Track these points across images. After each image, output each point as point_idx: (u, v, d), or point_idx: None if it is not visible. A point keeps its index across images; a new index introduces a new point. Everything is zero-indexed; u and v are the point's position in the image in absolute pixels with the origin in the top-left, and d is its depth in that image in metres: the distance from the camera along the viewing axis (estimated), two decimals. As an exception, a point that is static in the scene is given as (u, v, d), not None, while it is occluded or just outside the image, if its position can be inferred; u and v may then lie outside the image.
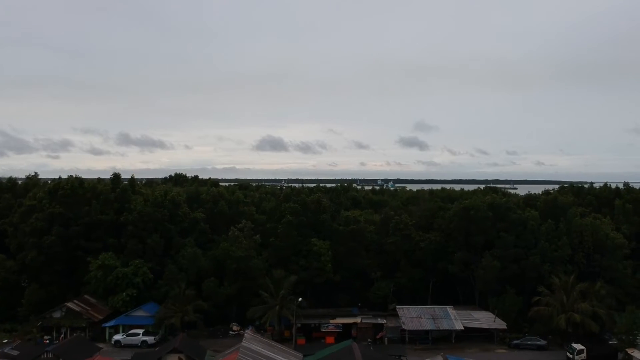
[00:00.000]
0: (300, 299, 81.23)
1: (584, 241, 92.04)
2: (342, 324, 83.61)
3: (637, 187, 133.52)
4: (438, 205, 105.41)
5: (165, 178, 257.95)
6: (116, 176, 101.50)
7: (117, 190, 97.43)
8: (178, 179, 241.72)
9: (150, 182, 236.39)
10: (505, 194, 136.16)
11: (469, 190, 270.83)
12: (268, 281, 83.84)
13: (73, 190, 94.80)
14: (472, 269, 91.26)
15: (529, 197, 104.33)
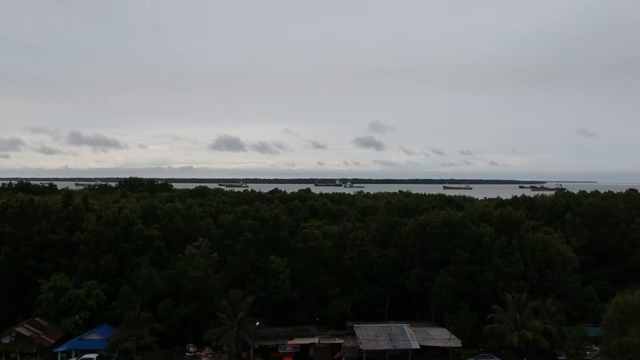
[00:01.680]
0: (257, 323, 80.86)
1: (535, 256, 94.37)
2: (300, 344, 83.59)
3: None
4: (395, 219, 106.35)
5: (120, 182, 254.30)
6: (68, 194, 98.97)
7: (69, 208, 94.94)
8: (133, 184, 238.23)
9: (104, 188, 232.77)
10: (460, 205, 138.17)
11: (425, 194, 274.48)
12: (225, 302, 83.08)
13: (22, 209, 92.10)
14: (428, 285, 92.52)
15: (483, 213, 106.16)
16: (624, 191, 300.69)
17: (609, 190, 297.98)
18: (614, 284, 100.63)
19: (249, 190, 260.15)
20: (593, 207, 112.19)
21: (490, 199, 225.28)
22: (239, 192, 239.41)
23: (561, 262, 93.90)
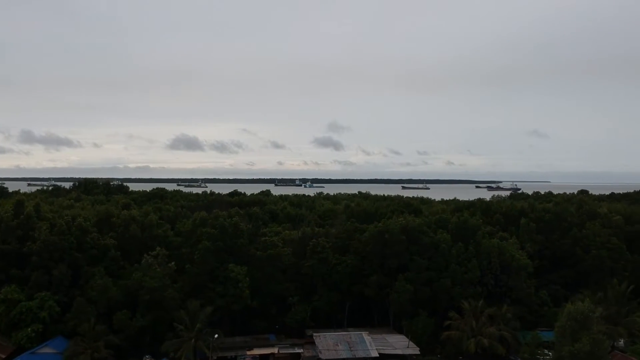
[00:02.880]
0: (216, 335, 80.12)
1: (491, 263, 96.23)
2: (260, 355, 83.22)
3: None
4: (354, 226, 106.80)
5: (75, 183, 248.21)
6: (19, 202, 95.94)
7: (21, 217, 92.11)
8: (88, 186, 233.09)
9: (58, 190, 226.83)
10: (418, 210, 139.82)
11: (384, 195, 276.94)
12: (183, 313, 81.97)
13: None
14: (387, 292, 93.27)
15: (441, 219, 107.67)
16: (575, 192, 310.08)
17: (563, 192, 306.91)
18: (566, 288, 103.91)
19: (208, 192, 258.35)
20: (547, 213, 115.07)
21: (447, 201, 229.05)
22: (197, 194, 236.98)
23: (516, 268, 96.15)
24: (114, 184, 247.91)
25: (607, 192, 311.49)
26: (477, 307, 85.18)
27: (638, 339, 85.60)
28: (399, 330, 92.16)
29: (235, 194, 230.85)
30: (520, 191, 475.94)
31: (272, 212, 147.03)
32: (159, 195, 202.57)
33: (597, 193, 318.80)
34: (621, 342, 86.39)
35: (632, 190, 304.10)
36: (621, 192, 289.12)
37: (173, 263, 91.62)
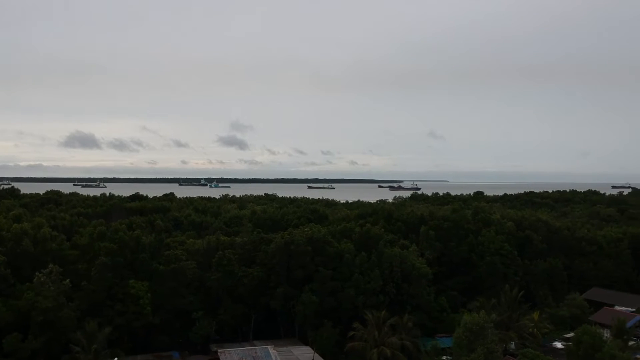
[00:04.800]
0: (116, 358, 77.07)
1: (393, 271, 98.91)
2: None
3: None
4: (260, 236, 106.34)
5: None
6: None
7: None
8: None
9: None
10: (323, 216, 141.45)
11: (290, 197, 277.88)
12: (79, 334, 78.08)
13: None
14: (293, 304, 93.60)
15: (345, 229, 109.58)
16: (472, 193, 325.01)
17: (461, 193, 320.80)
18: (464, 293, 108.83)
19: (108, 194, 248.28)
20: (445, 221, 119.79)
21: (352, 204, 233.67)
22: (96, 197, 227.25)
23: (416, 276, 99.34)
24: (3, 187, 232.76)
25: (501, 193, 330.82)
26: (379, 318, 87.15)
27: (528, 341, 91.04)
28: (305, 341, 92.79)
29: (136, 197, 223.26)
30: (420, 191, 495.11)
31: (176, 220, 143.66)
32: (53, 200, 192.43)
33: (491, 194, 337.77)
34: (512, 345, 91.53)
35: (522, 192, 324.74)
36: (513, 193, 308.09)
37: (68, 280, 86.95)
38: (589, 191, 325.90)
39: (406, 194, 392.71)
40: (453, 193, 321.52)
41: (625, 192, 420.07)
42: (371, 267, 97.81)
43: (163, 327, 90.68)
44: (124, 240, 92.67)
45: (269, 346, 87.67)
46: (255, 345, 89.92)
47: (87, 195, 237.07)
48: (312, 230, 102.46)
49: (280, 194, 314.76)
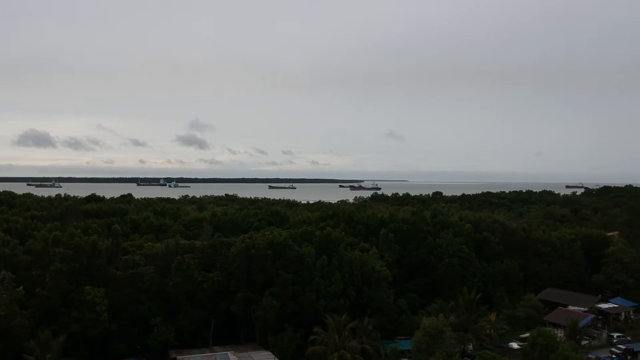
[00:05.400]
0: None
1: (354, 275, 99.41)
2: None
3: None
4: (220, 240, 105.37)
5: None
6: None
7: None
8: None
9: None
10: (284, 218, 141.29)
11: (251, 198, 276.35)
12: (33, 343, 76.05)
13: None
14: (254, 308, 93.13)
15: (306, 232, 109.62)
16: (431, 194, 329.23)
17: (420, 194, 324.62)
18: (423, 295, 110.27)
19: (63, 195, 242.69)
20: (405, 224, 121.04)
21: (313, 205, 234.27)
22: (50, 198, 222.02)
23: (376, 279, 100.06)
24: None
25: (459, 193, 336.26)
26: (340, 322, 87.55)
27: (486, 343, 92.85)
28: (265, 346, 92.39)
29: (93, 198, 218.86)
30: (380, 191, 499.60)
31: (133, 223, 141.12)
32: (5, 202, 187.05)
33: (450, 194, 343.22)
34: (470, 347, 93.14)
35: (480, 192, 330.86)
36: (471, 194, 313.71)
37: (21, 287, 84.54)
38: (544, 191, 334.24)
39: (367, 194, 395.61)
40: (413, 193, 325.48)
41: (579, 192, 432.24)
42: (332, 270, 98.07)
43: (120, 334, 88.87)
44: (80, 246, 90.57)
45: (229, 352, 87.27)
46: (215, 351, 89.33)
47: (42, 196, 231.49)
48: (273, 233, 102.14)
49: (241, 194, 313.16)
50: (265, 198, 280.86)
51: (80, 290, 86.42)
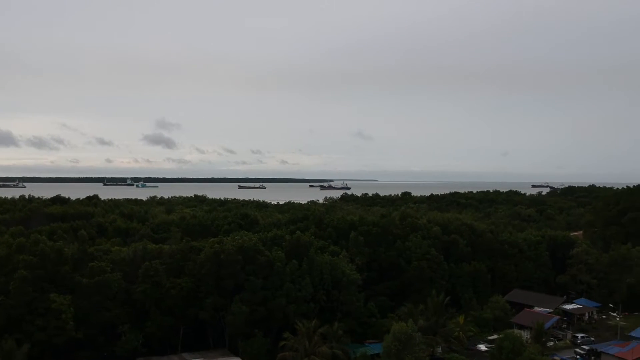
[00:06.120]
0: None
1: (324, 279, 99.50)
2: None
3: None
4: (189, 245, 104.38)
5: None
6: None
7: None
8: None
9: None
10: (254, 221, 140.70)
11: (221, 199, 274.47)
12: (-4, 354, 74.40)
13: None
14: (223, 314, 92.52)
15: (276, 236, 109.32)
16: (400, 194, 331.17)
17: (389, 194, 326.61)
18: (392, 298, 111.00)
19: (27, 196, 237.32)
20: (374, 226, 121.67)
21: (283, 206, 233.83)
22: (14, 199, 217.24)
23: (346, 283, 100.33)
24: None
25: (427, 193, 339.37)
26: (310, 327, 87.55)
27: (454, 345, 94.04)
28: (235, 352, 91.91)
29: (58, 199, 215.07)
30: (350, 190, 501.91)
31: (100, 226, 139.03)
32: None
33: (418, 194, 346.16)
34: (439, 350, 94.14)
35: (448, 192, 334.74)
36: (439, 194, 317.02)
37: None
38: (511, 191, 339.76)
39: (337, 194, 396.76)
40: (382, 193, 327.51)
41: (544, 191, 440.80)
42: (302, 275, 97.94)
43: (87, 342, 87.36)
44: (45, 252, 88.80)
45: (198, 359, 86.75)
46: (184, 358, 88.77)
47: (5, 197, 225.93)
48: (243, 238, 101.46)
49: (210, 195, 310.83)
50: (235, 199, 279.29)
51: (45, 297, 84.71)
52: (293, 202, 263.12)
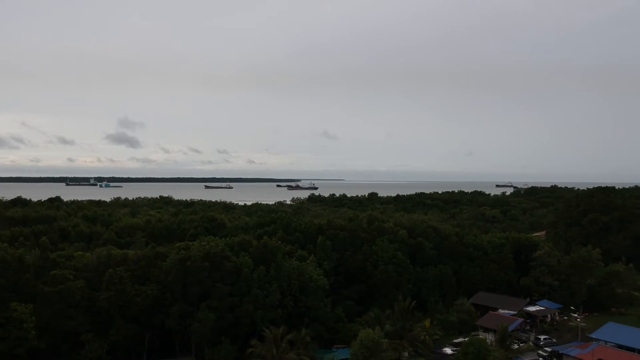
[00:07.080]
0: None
1: (291, 284, 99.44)
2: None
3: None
4: (155, 252, 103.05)
5: None
6: None
7: None
8: None
9: None
10: (221, 224, 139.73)
11: (187, 200, 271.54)
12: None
13: None
14: (189, 321, 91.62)
15: (243, 242, 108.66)
16: (367, 194, 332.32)
17: (356, 195, 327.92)
18: (359, 302, 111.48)
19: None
20: (342, 230, 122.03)
21: (251, 208, 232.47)
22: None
23: (314, 289, 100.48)
24: None
25: (394, 193, 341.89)
26: (277, 334, 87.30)
27: (420, 349, 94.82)
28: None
29: (19, 201, 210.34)
30: (317, 190, 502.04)
31: (62, 230, 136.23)
32: None
33: (385, 194, 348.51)
34: (406, 354, 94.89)
35: (414, 192, 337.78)
36: (405, 194, 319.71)
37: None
38: (476, 192, 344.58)
39: (304, 194, 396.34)
40: (349, 194, 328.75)
41: (508, 191, 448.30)
42: (269, 280, 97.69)
43: (50, 352, 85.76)
44: (6, 260, 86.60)
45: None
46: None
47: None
48: (210, 244, 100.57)
49: (176, 195, 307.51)
50: (201, 200, 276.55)
51: (5, 307, 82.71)
52: (260, 203, 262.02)
